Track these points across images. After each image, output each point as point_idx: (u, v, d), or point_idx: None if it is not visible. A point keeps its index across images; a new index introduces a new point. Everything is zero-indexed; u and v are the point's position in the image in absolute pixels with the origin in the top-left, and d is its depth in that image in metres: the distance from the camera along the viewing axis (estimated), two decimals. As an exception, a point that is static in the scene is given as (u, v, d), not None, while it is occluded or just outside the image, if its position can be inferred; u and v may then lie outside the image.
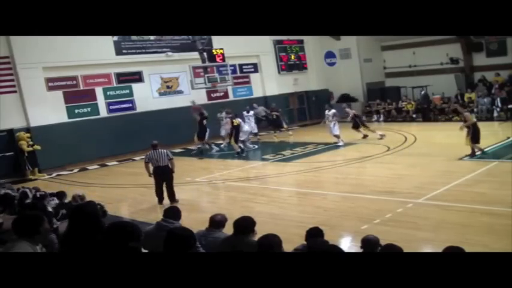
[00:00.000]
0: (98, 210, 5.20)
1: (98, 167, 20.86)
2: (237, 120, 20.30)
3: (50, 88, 21.10)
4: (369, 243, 5.64)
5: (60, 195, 10.51)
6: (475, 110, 25.52)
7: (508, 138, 16.19)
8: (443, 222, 9.64)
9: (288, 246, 5.53)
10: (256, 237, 5.43)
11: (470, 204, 10.59)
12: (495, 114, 24.82)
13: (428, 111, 26.86)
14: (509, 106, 24.29)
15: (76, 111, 21.94)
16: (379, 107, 28.86)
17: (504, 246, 7.83)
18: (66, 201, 10.26)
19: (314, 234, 5.96)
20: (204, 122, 20.84)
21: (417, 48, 29.39)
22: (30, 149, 19.51)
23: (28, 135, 19.74)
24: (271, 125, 24.72)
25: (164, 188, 13.10)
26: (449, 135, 20.96)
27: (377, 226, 9.51)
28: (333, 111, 20.62)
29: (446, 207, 10.48)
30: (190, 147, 22.25)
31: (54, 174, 19.68)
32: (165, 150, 13.14)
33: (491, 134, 19.83)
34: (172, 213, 6.81)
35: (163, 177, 13.09)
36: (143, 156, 13.90)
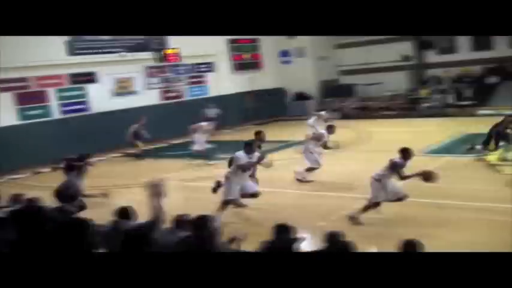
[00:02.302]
0: (40, 210, 5.11)
1: (52, 169, 20.44)
2: None
3: (-1, 90, 20.61)
4: (332, 238, 5.68)
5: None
6: (428, 105, 26.15)
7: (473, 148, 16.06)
8: (399, 216, 9.83)
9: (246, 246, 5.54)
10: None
11: (425, 199, 10.82)
12: (446, 110, 25.38)
13: (382, 109, 27.29)
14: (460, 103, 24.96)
15: (28, 113, 21.47)
16: (334, 105, 29.08)
17: (461, 238, 8.06)
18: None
19: (281, 231, 6.02)
20: None
21: (371, 46, 29.74)
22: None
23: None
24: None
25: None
26: (405, 132, 21.40)
27: (334, 223, 9.61)
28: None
29: (402, 202, 10.66)
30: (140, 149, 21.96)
31: (5, 178, 19.20)
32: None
33: (443, 130, 20.32)
34: (124, 213, 6.84)
35: None
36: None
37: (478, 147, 15.38)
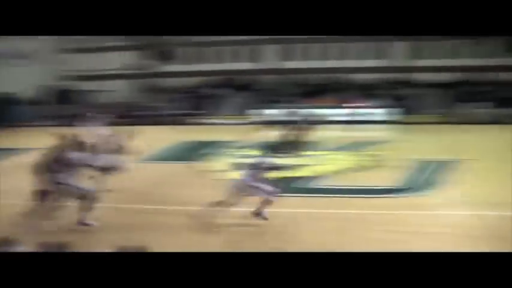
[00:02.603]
0: None
1: None
2: None
3: None
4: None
5: None
6: (157, 114, 27.45)
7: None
8: (114, 221, 10.41)
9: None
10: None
11: (141, 204, 11.58)
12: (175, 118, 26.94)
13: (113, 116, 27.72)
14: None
15: None
16: (61, 112, 27.93)
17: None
18: None
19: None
20: None
21: (103, 53, 30.12)
22: None
23: None
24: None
25: None
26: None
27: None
28: None
29: (120, 208, 11.33)
30: None
31: None
32: None
33: (167, 138, 21.63)
34: None
35: None
36: None
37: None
